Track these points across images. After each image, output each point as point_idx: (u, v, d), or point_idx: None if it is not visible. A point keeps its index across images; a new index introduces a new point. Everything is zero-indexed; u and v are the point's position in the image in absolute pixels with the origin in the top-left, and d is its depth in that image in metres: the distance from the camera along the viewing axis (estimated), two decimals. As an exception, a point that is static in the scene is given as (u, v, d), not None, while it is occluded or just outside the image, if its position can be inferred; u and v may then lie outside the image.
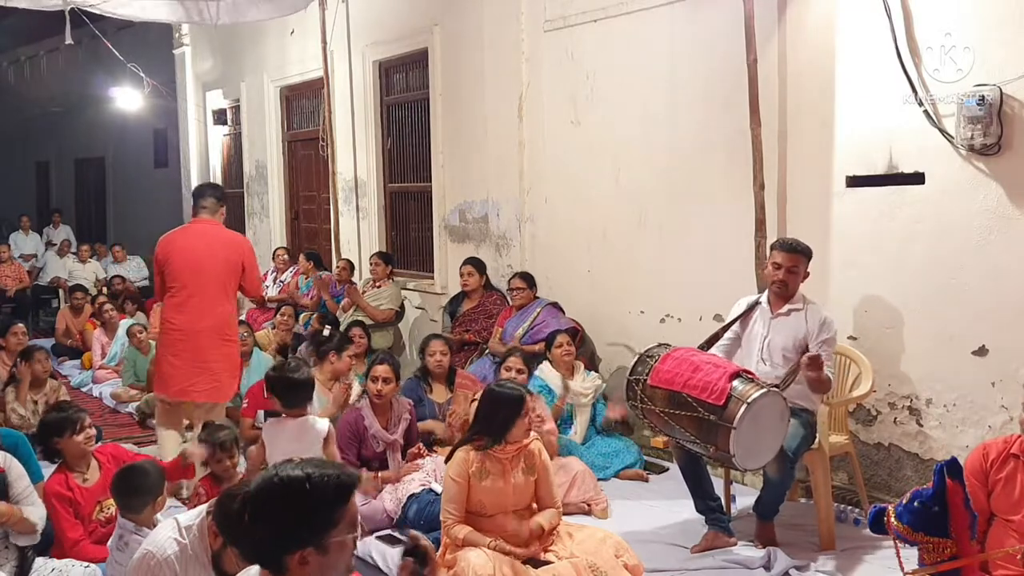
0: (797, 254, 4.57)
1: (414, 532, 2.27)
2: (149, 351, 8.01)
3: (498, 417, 3.97)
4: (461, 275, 7.16)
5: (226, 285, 5.41)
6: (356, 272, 8.84)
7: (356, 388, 5.70)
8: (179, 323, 5.33)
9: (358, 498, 4.74)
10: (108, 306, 9.36)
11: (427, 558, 2.21)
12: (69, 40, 7.30)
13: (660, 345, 4.48)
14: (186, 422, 5.64)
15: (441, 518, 4.02)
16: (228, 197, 5.52)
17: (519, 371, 5.47)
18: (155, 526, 3.52)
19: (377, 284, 8.11)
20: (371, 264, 8.25)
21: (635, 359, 4.43)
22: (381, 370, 5.11)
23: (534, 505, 4.10)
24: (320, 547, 2.09)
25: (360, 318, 7.63)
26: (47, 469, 4.48)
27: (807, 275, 4.63)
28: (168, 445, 5.41)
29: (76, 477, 4.25)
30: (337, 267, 8.79)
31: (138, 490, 3.69)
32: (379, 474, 5.00)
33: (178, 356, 5.35)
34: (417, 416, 5.48)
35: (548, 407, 5.51)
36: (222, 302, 5.40)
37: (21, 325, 7.73)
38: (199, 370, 5.34)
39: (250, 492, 2.18)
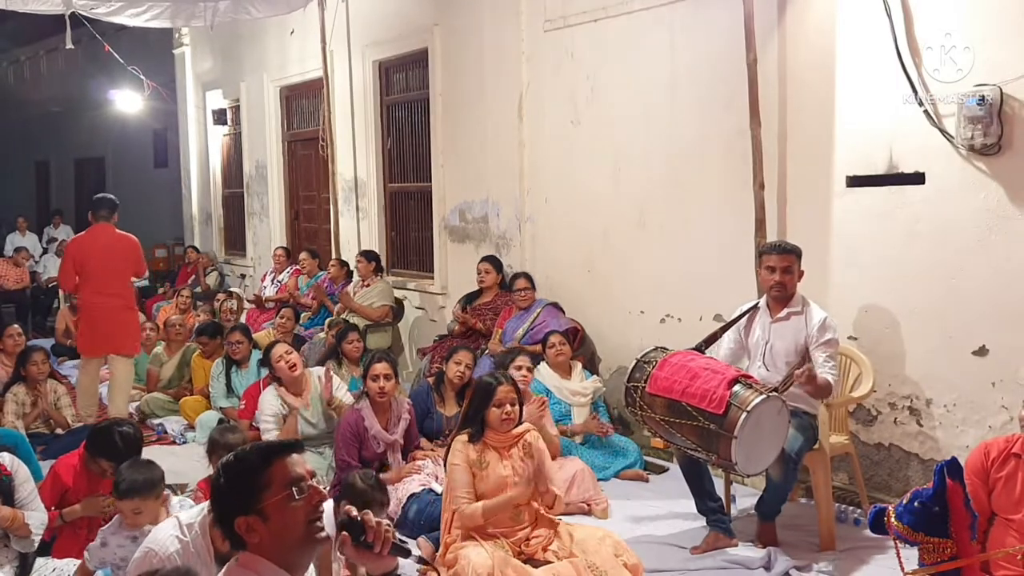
0: (789, 254, 4.56)
1: (348, 507, 2.24)
2: (153, 349, 8.06)
3: (474, 406, 4.12)
4: (478, 272, 7.12)
5: (127, 272, 7.28)
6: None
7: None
8: (98, 303, 7.06)
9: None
10: None
11: (363, 528, 2.18)
12: (70, 45, 7.74)
13: (657, 349, 4.44)
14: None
15: (453, 507, 3.98)
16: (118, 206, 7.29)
17: (528, 369, 5.47)
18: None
19: (365, 283, 8.09)
20: (356, 264, 8.25)
21: (632, 365, 4.40)
22: (380, 368, 5.09)
23: (535, 504, 4.08)
24: (258, 512, 2.15)
25: (354, 321, 7.57)
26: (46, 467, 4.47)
27: (802, 274, 4.62)
28: (90, 387, 7.21)
29: (94, 467, 4.27)
30: (330, 266, 8.81)
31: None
32: (379, 475, 4.99)
33: (100, 326, 7.08)
34: (423, 430, 5.46)
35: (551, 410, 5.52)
36: (125, 284, 7.30)
37: (16, 326, 7.71)
38: (117, 333, 7.13)
39: None
